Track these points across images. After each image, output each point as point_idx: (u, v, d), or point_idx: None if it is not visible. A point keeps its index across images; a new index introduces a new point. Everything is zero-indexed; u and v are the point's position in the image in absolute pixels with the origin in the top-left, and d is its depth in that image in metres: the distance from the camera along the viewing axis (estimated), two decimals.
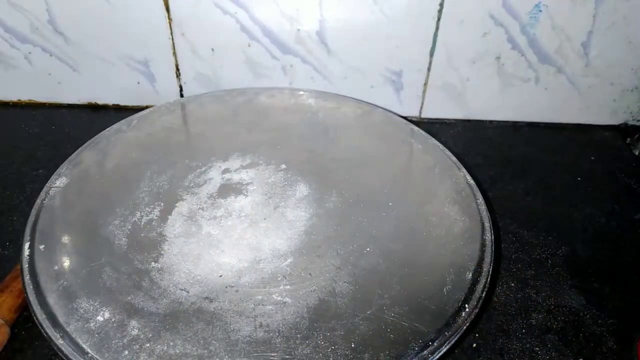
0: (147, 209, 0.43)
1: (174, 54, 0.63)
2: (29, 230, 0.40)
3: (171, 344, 0.33)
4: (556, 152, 0.64)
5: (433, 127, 0.67)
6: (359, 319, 0.35)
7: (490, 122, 0.68)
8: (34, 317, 0.34)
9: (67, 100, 0.68)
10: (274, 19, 0.60)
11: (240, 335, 0.34)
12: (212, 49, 0.62)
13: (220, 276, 0.38)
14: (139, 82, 0.66)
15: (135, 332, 0.33)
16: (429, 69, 0.63)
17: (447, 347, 0.34)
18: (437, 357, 0.34)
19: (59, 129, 0.64)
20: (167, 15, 0.60)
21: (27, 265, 0.37)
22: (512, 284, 0.47)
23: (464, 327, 0.35)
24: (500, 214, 0.54)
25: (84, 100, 0.68)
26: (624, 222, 0.54)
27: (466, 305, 0.36)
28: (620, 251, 0.51)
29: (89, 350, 0.32)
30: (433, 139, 0.52)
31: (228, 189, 0.45)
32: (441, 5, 0.58)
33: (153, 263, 0.38)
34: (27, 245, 0.39)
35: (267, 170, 0.47)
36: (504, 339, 0.43)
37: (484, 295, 0.37)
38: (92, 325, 0.33)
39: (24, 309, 0.42)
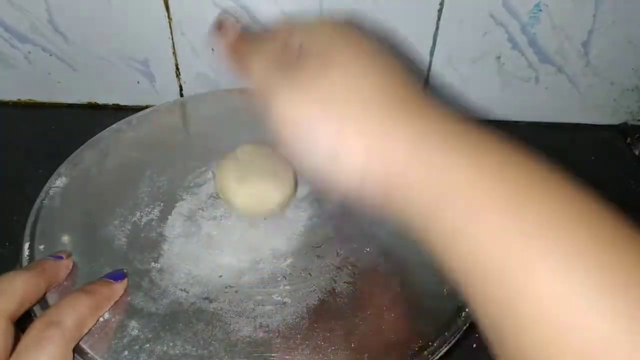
0: (146, 209, 0.43)
1: (174, 53, 0.63)
2: (28, 230, 0.40)
3: (171, 344, 0.33)
4: (556, 152, 0.63)
5: None
6: (359, 319, 0.35)
7: (490, 121, 0.68)
8: (34, 317, 0.34)
9: (66, 99, 0.68)
10: (274, 19, 0.60)
11: (240, 335, 0.34)
12: (212, 49, 0.62)
13: (220, 276, 0.37)
14: (138, 82, 0.66)
15: (135, 332, 0.33)
16: (428, 69, 0.63)
17: (447, 347, 0.34)
18: (437, 357, 0.34)
19: (58, 129, 0.64)
20: (167, 14, 0.60)
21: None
22: None
23: (464, 328, 0.35)
24: None
25: (84, 100, 0.68)
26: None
27: (466, 306, 0.36)
28: None
29: (89, 351, 0.32)
30: None
31: None
32: (441, 5, 0.58)
33: (153, 263, 0.38)
34: (26, 245, 0.39)
35: None
36: None
37: None
38: None
39: None
